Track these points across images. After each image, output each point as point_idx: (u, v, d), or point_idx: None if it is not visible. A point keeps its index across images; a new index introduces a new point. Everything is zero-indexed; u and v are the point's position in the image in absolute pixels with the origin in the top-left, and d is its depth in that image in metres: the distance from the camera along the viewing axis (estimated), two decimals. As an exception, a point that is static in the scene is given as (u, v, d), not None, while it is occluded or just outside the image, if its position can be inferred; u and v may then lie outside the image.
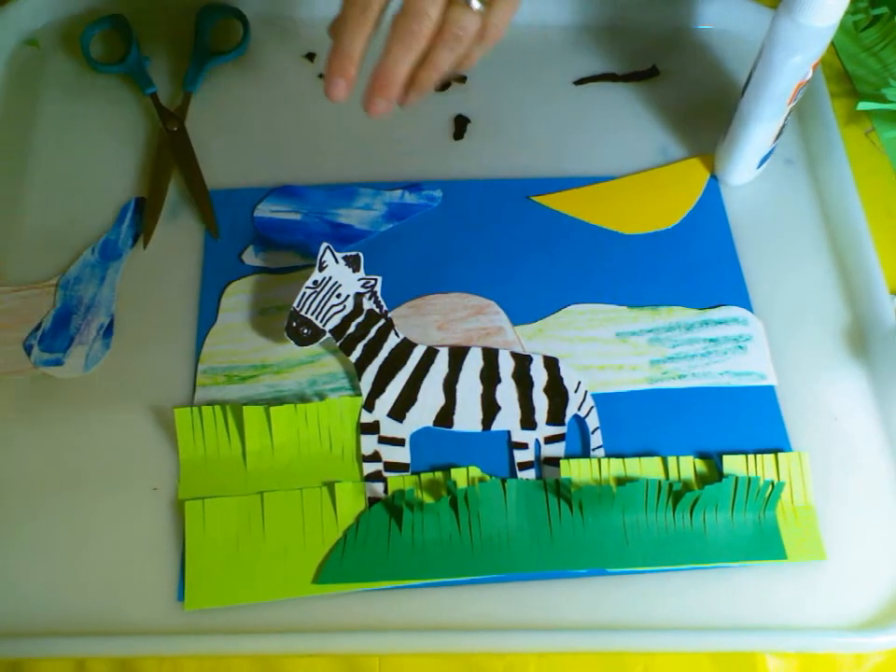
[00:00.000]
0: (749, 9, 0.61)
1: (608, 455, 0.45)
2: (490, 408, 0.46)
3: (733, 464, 0.44)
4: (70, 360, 0.47)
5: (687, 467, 0.44)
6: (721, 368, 0.48)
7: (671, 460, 0.44)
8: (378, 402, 0.46)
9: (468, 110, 0.58)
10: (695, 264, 0.52)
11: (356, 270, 0.46)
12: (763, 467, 0.44)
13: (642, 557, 0.42)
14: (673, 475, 0.44)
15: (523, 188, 0.54)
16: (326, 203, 0.53)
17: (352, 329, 0.46)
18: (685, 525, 0.43)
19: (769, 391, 0.47)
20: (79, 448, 0.45)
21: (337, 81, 0.39)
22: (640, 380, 0.47)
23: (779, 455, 0.44)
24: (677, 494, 0.43)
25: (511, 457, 0.45)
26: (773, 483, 0.42)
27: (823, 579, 0.43)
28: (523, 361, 0.47)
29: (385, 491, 0.43)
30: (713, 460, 0.45)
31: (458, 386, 0.46)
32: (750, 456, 0.44)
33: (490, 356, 0.47)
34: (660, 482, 0.43)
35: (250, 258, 0.50)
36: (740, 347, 0.49)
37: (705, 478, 0.44)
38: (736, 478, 0.43)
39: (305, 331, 0.45)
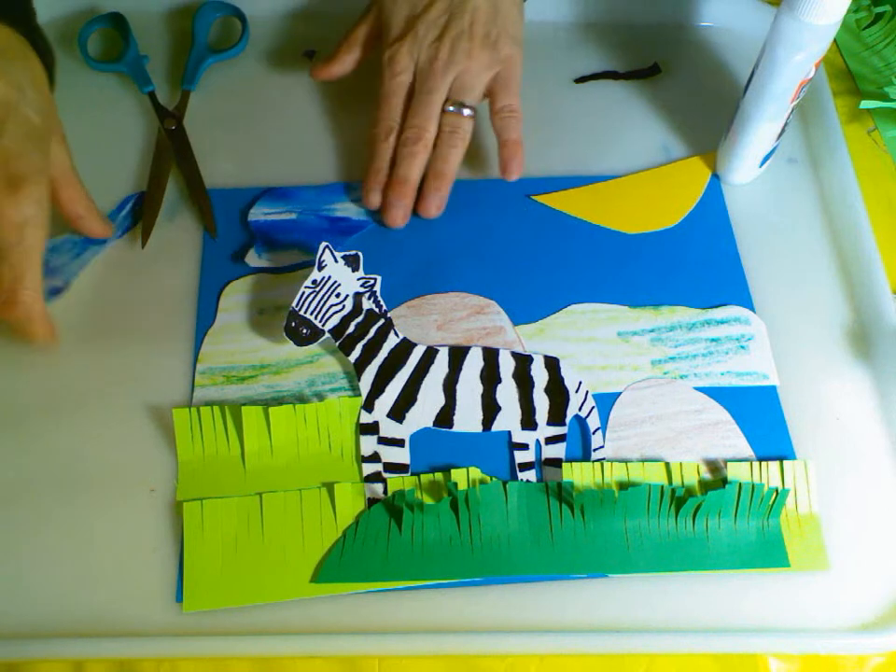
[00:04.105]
0: (751, 7, 0.61)
1: (609, 458, 0.44)
2: (490, 408, 0.46)
3: (737, 470, 0.44)
4: None
5: (690, 472, 0.44)
6: (723, 368, 0.48)
7: (674, 465, 0.44)
8: (377, 403, 0.45)
9: (468, 108, 0.57)
10: (697, 263, 0.51)
11: (355, 269, 0.46)
12: (768, 474, 0.44)
13: (644, 563, 0.42)
14: (676, 480, 0.44)
15: (523, 186, 0.54)
16: (318, 200, 0.52)
17: (351, 328, 0.46)
18: (688, 532, 0.42)
19: (771, 391, 0.47)
20: (76, 449, 0.44)
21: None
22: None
23: (784, 462, 0.44)
24: (679, 499, 0.42)
25: (512, 458, 0.45)
26: (777, 490, 0.42)
27: (825, 582, 0.42)
28: (523, 361, 0.47)
29: (385, 492, 0.43)
30: (717, 465, 0.44)
31: (458, 387, 0.46)
32: (755, 463, 0.44)
33: (490, 355, 0.47)
34: (662, 487, 0.42)
35: (253, 259, 0.50)
36: (742, 347, 0.48)
37: (708, 484, 0.44)
38: (740, 484, 0.42)
39: (304, 331, 0.45)
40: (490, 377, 0.46)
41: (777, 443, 0.45)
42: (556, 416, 0.46)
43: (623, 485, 0.43)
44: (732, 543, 0.42)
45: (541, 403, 0.46)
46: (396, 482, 0.43)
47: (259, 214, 0.52)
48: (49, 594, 0.41)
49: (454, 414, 0.45)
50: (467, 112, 0.49)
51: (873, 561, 0.43)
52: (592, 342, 0.48)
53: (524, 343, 0.48)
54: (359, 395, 0.46)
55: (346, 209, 0.52)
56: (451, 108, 0.49)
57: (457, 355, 0.47)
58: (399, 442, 0.45)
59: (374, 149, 0.50)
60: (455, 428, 0.45)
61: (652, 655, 0.40)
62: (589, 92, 0.59)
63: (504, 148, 0.50)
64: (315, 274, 0.46)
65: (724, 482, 0.43)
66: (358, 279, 0.46)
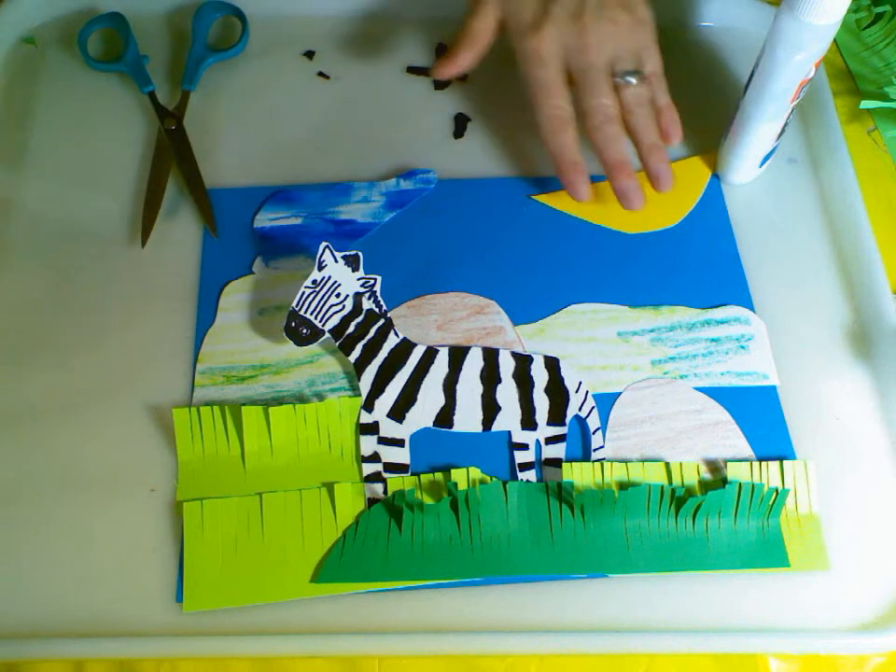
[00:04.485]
0: (751, 7, 0.61)
1: (609, 458, 0.44)
2: (490, 408, 0.46)
3: (737, 470, 0.44)
4: None
5: (690, 472, 0.44)
6: (723, 368, 0.48)
7: (674, 465, 0.44)
8: (377, 403, 0.45)
9: (468, 109, 0.57)
10: (697, 263, 0.51)
11: (355, 269, 0.46)
12: (768, 474, 0.44)
13: (644, 563, 0.42)
14: (676, 480, 0.44)
15: (523, 186, 0.54)
16: (324, 203, 0.52)
17: (351, 328, 0.46)
18: (687, 532, 0.42)
19: (771, 391, 0.47)
20: (76, 449, 0.44)
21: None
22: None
23: (784, 462, 0.44)
24: (679, 499, 0.42)
25: (512, 458, 0.45)
26: (777, 490, 0.42)
27: (825, 582, 0.42)
28: (523, 361, 0.47)
29: (385, 492, 0.43)
30: (717, 465, 0.44)
31: (458, 387, 0.46)
32: (755, 463, 0.44)
33: (490, 355, 0.47)
34: (662, 487, 0.42)
35: (260, 268, 0.50)
36: (742, 347, 0.48)
37: (708, 484, 0.44)
38: (740, 484, 0.42)
39: (304, 331, 0.45)
40: (490, 377, 0.46)
41: (777, 443, 0.45)
42: (556, 416, 0.46)
43: (623, 485, 0.43)
44: (732, 543, 0.42)
45: (541, 403, 0.46)
46: (396, 482, 0.43)
47: (265, 220, 0.52)
48: (49, 594, 0.41)
49: (454, 414, 0.45)
50: (634, 79, 0.48)
51: (873, 561, 0.43)
52: (592, 342, 0.48)
53: (524, 343, 0.48)
54: (359, 395, 0.46)
55: (351, 211, 0.52)
56: (619, 80, 0.47)
57: (457, 355, 0.47)
58: (399, 442, 0.45)
59: (557, 142, 0.47)
60: (455, 428, 0.45)
61: (652, 655, 0.40)
62: (589, 92, 0.59)
63: (660, 116, 0.48)
64: (315, 274, 0.46)
65: (724, 482, 0.43)
66: (358, 279, 0.46)
